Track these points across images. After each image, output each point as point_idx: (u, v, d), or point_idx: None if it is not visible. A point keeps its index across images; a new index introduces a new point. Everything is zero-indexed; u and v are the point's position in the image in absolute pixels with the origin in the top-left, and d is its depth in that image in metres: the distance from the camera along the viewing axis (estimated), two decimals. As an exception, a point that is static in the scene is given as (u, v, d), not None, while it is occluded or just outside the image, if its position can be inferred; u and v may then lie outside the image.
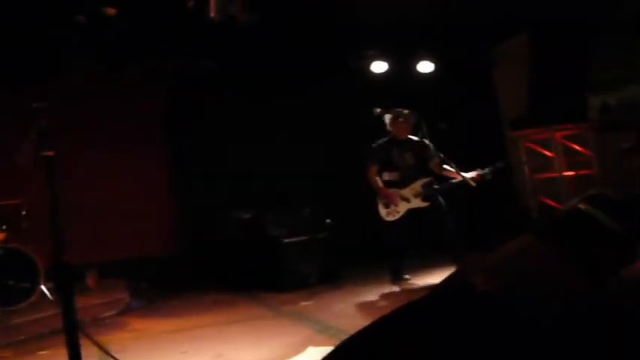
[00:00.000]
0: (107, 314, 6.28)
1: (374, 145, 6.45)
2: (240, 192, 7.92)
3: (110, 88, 7.70)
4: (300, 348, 4.30)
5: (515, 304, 1.41)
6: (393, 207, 6.33)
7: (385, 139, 6.44)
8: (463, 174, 6.19)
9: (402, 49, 8.32)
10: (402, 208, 6.33)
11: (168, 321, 5.99)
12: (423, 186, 6.36)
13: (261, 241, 7.14)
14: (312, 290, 6.63)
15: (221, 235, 7.73)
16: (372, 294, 6.24)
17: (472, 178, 6.18)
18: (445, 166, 6.36)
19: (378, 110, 6.26)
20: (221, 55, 7.81)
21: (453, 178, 6.31)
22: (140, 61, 7.54)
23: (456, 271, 1.76)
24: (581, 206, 1.64)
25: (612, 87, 7.79)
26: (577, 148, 7.91)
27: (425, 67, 8.47)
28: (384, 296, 6.10)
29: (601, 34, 7.71)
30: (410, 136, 6.44)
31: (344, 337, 1.51)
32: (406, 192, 6.35)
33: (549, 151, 7.91)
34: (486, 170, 6.23)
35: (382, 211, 6.38)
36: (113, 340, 5.11)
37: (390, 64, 8.35)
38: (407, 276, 6.51)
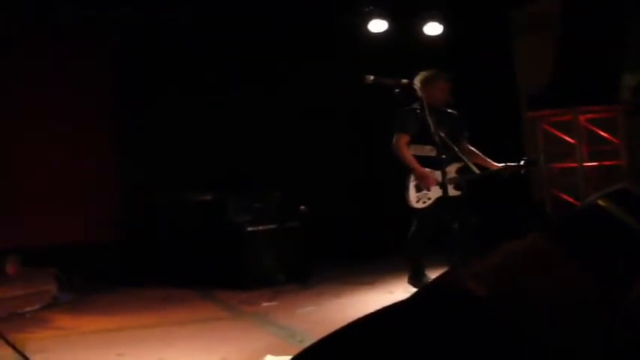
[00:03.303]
0: (29, 308, 6.23)
1: (404, 110, 6.11)
2: (198, 171, 7.88)
3: (41, 42, 7.62)
4: (257, 356, 4.31)
5: (514, 314, 1.41)
6: (424, 191, 6.09)
7: (415, 105, 5.98)
8: (497, 164, 6.12)
9: (406, 5, 8.25)
10: (434, 194, 6.03)
11: (103, 319, 5.96)
12: (459, 171, 6.08)
13: (221, 228, 7.13)
14: (277, 289, 6.64)
15: (173, 221, 7.69)
16: (348, 297, 6.28)
17: (505, 169, 6.11)
18: (476, 151, 6.23)
19: (372, 78, 5.60)
20: (181, 7, 7.73)
21: (484, 167, 6.13)
22: (79, 9, 7.41)
23: (444, 273, 1.76)
24: (602, 203, 1.64)
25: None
26: (603, 134, 7.97)
27: (433, 28, 8.41)
28: (362, 300, 6.12)
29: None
30: (444, 108, 6.21)
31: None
32: (440, 175, 5.78)
33: (570, 136, 7.96)
34: (522, 163, 6.09)
35: (412, 194, 6.08)
36: (33, 339, 5.08)
37: (390, 24, 8.27)
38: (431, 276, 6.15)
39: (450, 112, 6.27)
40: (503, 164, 6.15)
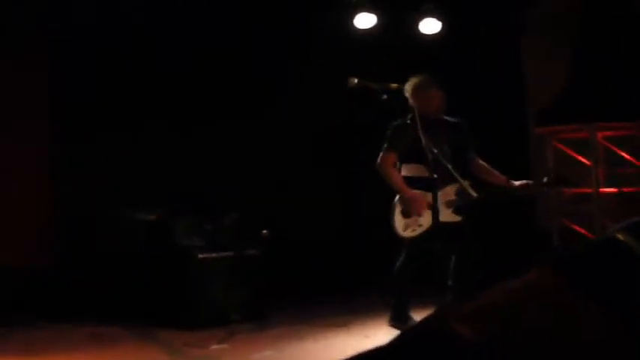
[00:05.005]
0: None
1: (394, 124, 6.14)
2: (146, 190, 7.84)
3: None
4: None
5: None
6: (414, 216, 6.04)
7: (407, 117, 6.00)
8: (515, 182, 6.13)
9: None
10: (426, 220, 5.92)
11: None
12: (458, 192, 6.05)
13: (166, 254, 7.11)
14: (230, 329, 6.56)
15: (110, 244, 7.62)
16: (314, 340, 6.29)
17: (525, 188, 6.16)
18: (488, 167, 6.24)
19: (356, 81, 5.68)
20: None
21: (499, 186, 6.16)
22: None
23: (431, 315, 1.73)
24: (620, 236, 1.62)
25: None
26: (624, 155, 8.03)
27: (429, 26, 8.46)
28: (330, 344, 6.13)
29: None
30: (444, 117, 6.27)
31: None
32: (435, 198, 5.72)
33: (586, 157, 8.01)
34: (545, 180, 6.17)
35: (399, 221, 6.04)
36: None
37: (380, 19, 8.30)
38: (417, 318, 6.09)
39: (452, 122, 6.29)
40: (522, 182, 6.16)
